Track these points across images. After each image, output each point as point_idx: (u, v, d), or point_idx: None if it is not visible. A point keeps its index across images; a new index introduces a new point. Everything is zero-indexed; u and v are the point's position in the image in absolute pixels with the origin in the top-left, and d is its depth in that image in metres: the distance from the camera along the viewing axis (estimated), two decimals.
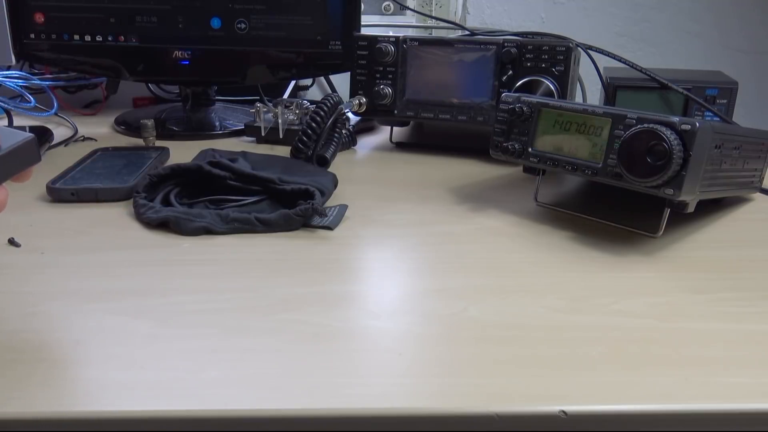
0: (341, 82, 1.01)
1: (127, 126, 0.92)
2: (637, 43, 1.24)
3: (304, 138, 0.72)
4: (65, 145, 0.84)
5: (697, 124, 0.49)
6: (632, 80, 0.87)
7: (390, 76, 0.81)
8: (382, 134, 0.93)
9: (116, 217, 0.60)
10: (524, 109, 0.60)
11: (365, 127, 0.95)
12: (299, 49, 0.91)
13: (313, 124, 0.73)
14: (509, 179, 0.73)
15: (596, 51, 0.89)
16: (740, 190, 0.65)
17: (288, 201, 0.61)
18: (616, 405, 0.35)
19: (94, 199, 0.63)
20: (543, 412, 0.35)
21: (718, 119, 0.85)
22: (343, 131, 0.78)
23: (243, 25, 0.90)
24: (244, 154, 0.71)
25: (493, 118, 0.75)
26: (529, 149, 0.60)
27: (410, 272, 0.50)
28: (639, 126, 0.51)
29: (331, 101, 0.75)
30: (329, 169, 0.70)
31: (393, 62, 0.80)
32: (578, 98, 0.90)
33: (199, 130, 0.92)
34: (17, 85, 0.95)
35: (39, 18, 0.90)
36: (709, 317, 0.44)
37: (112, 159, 0.72)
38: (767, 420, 0.35)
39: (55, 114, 0.95)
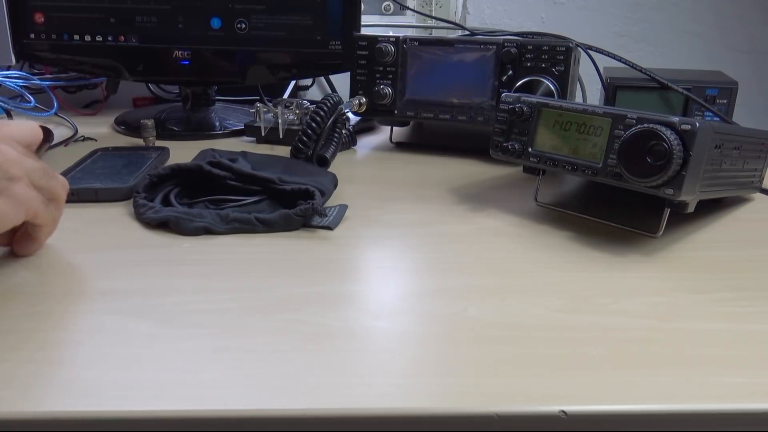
0: (341, 82, 1.01)
1: (127, 126, 0.92)
2: (637, 43, 1.24)
3: (304, 138, 0.72)
4: (65, 145, 0.84)
5: (697, 124, 0.49)
6: (632, 80, 0.87)
7: (390, 76, 0.81)
8: (382, 134, 0.93)
9: (116, 217, 0.60)
10: (524, 109, 0.60)
11: (365, 127, 0.95)
12: (299, 49, 0.91)
13: (313, 124, 0.73)
14: (509, 179, 0.73)
15: (596, 51, 0.89)
16: (740, 190, 0.65)
17: (288, 201, 0.61)
18: (616, 405, 0.35)
19: (94, 199, 0.63)
20: (543, 412, 0.35)
21: (718, 119, 0.85)
22: (343, 131, 0.78)
23: (243, 25, 0.90)
24: (244, 154, 0.71)
25: (493, 118, 0.75)
26: (529, 149, 0.60)
27: (410, 272, 0.50)
28: (639, 126, 0.51)
29: (331, 101, 0.75)
30: (329, 169, 0.71)
31: (393, 62, 0.80)
32: (578, 98, 0.90)
33: (199, 130, 0.92)
34: (17, 85, 0.95)
35: (39, 18, 0.90)
36: (709, 317, 0.44)
37: (112, 159, 0.72)
38: (767, 420, 0.35)
39: (55, 114, 0.95)
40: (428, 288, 0.48)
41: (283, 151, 0.78)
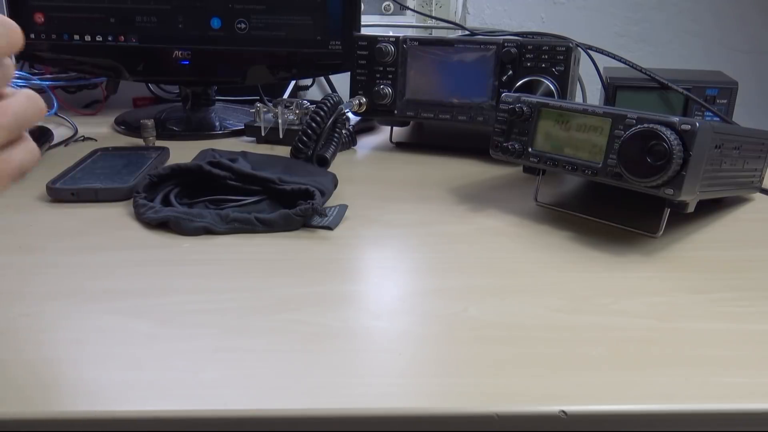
0: (341, 82, 1.01)
1: (127, 126, 0.92)
2: (637, 43, 1.24)
3: (304, 138, 0.72)
4: (65, 145, 0.84)
5: (697, 124, 0.49)
6: (632, 80, 0.87)
7: (390, 76, 0.81)
8: (382, 134, 0.93)
9: (116, 217, 0.60)
10: (524, 109, 0.60)
11: (365, 127, 0.95)
12: (299, 49, 0.91)
13: (313, 124, 0.73)
14: (509, 179, 0.73)
15: (596, 51, 0.89)
16: (740, 190, 0.65)
17: (288, 201, 0.61)
18: (616, 405, 0.35)
19: (94, 199, 0.63)
20: (543, 412, 0.35)
21: (718, 119, 0.85)
22: (343, 131, 0.78)
23: (243, 25, 0.90)
24: (244, 154, 0.71)
25: (493, 118, 0.75)
26: (529, 149, 0.60)
27: (410, 272, 0.50)
28: (639, 126, 0.51)
29: (331, 101, 0.75)
30: (329, 169, 0.70)
31: (393, 62, 0.80)
32: (578, 98, 0.90)
33: (199, 130, 0.92)
34: (17, 86, 0.95)
35: (39, 18, 0.90)
36: (709, 317, 0.44)
37: (112, 159, 0.72)
38: (767, 420, 0.35)
39: (55, 114, 0.95)
40: (428, 288, 0.48)
41: (283, 151, 0.78)
